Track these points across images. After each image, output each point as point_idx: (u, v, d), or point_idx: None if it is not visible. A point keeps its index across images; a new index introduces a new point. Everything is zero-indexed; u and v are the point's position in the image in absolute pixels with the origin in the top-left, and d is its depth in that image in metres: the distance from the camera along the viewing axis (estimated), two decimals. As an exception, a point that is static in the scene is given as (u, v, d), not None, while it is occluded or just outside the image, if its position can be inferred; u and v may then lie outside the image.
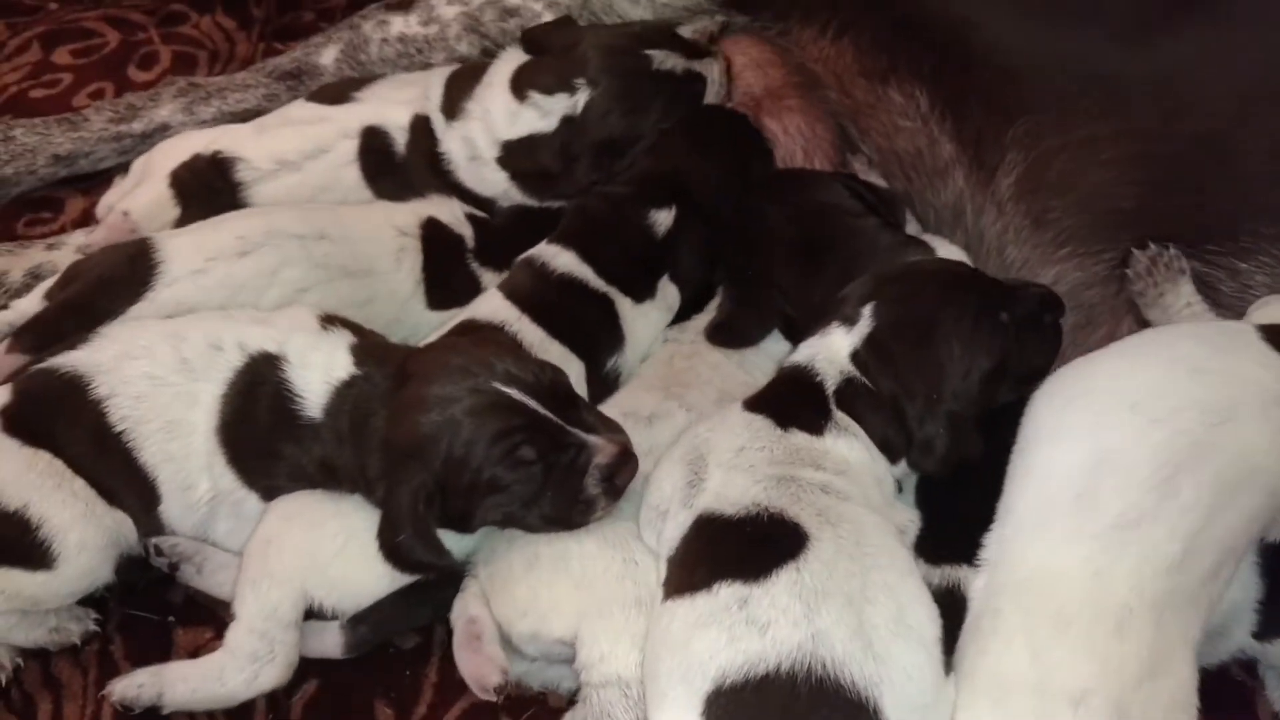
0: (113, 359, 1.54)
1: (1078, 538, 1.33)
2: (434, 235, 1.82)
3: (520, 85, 1.90)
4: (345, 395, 1.50)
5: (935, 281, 1.57)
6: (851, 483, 1.42)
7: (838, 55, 2.02)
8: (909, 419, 1.48)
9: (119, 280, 1.69)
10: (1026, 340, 1.54)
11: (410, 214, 1.84)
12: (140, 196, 1.92)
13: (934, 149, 1.93)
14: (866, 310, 1.52)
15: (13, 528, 1.45)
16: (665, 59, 1.91)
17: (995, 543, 1.42)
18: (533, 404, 1.44)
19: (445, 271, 1.82)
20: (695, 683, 1.27)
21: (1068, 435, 1.42)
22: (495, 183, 1.91)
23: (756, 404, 1.51)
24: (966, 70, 1.89)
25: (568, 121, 1.88)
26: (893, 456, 1.49)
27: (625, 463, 1.46)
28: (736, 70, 2.05)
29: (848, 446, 1.46)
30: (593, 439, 1.46)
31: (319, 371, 1.52)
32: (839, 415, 1.48)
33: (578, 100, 1.87)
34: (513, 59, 1.95)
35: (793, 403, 1.49)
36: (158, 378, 1.52)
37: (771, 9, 2.06)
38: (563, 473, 1.44)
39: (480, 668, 1.48)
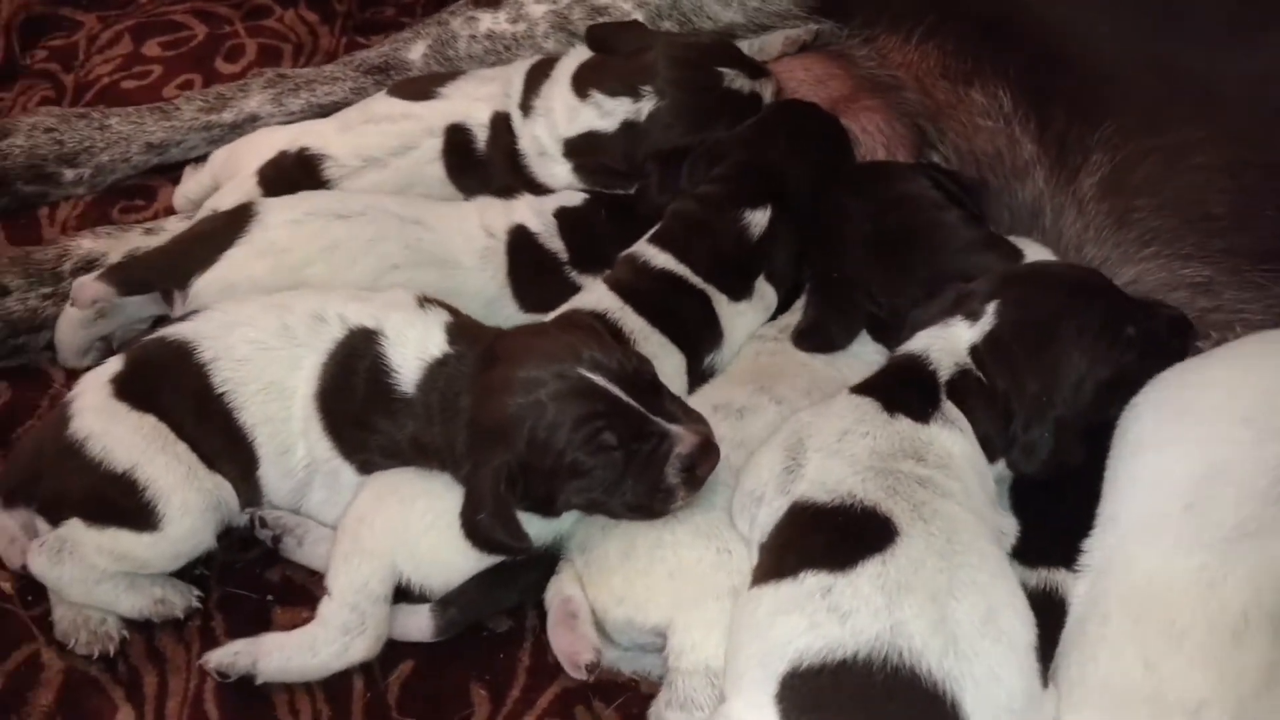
0: (219, 327, 1.59)
1: (1191, 548, 1.33)
2: (521, 243, 1.83)
3: (582, 83, 1.92)
4: (438, 373, 1.53)
5: (1062, 287, 1.57)
6: (952, 478, 1.42)
7: (921, 59, 2.02)
8: (1015, 420, 1.49)
9: (215, 231, 1.78)
10: (1150, 359, 1.53)
11: (501, 216, 1.86)
12: (229, 194, 1.96)
13: (1014, 149, 1.93)
14: (990, 308, 1.52)
15: (121, 489, 1.50)
16: (735, 78, 1.92)
17: (1099, 549, 1.42)
18: (616, 391, 1.46)
19: (538, 280, 1.83)
20: (772, 665, 1.29)
21: (1178, 445, 1.41)
22: (560, 175, 1.94)
23: (865, 388, 1.53)
24: (1053, 72, 1.89)
25: (629, 126, 1.89)
26: (991, 455, 1.49)
27: (706, 454, 1.48)
28: (792, 87, 2.07)
29: (951, 438, 1.46)
30: (674, 428, 1.47)
31: (414, 348, 1.55)
32: (947, 406, 1.48)
33: (642, 107, 1.89)
34: (578, 56, 1.97)
35: (902, 388, 1.50)
36: (260, 342, 1.57)
37: (860, 15, 2.07)
38: (644, 461, 1.46)
39: (574, 645, 1.50)
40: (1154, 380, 1.51)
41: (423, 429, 1.53)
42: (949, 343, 1.52)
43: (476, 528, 1.49)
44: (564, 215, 1.88)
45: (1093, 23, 1.88)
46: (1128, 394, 1.51)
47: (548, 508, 1.51)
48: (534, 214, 1.87)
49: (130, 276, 1.77)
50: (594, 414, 1.45)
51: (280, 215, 1.77)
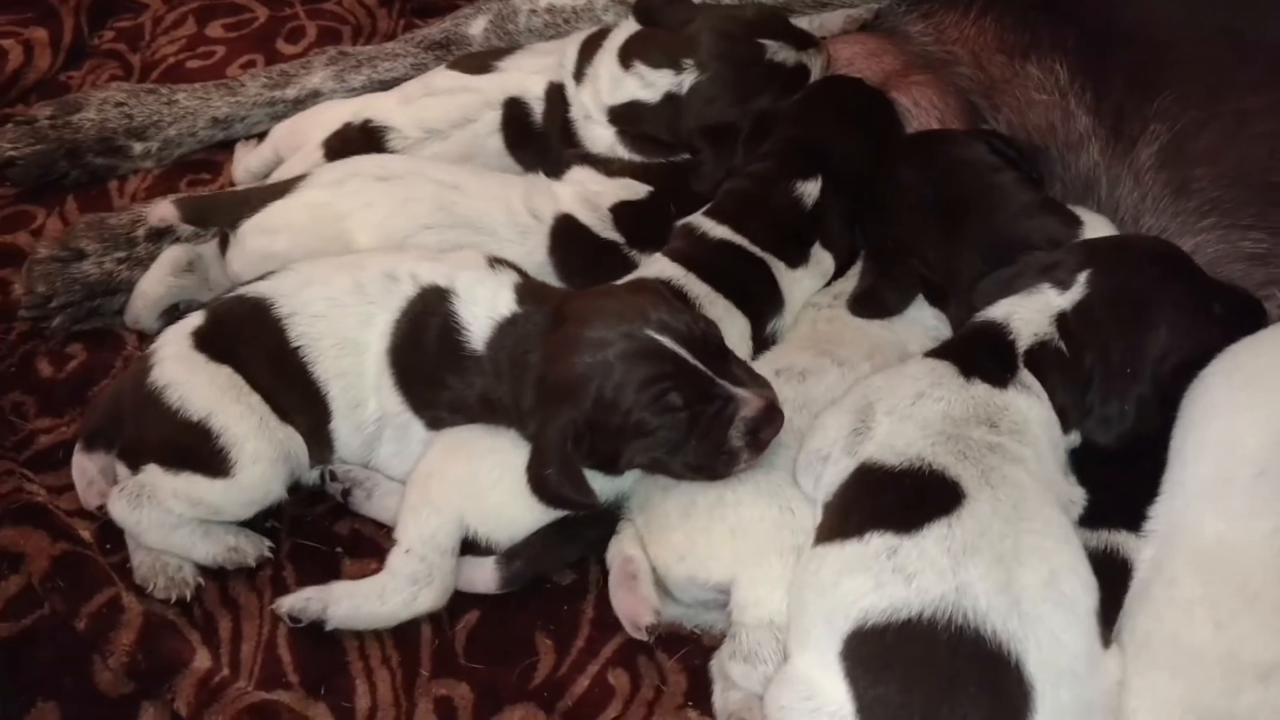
0: (295, 285, 1.64)
1: (1264, 513, 1.33)
2: (565, 231, 1.85)
3: (627, 54, 1.95)
4: (507, 331, 1.57)
5: (1154, 261, 1.58)
6: (1024, 444, 1.42)
7: (979, 34, 2.03)
8: (1093, 391, 1.49)
9: (271, 187, 1.87)
10: (1231, 337, 1.52)
11: (549, 201, 1.87)
12: (295, 166, 2.01)
13: (1069, 122, 1.93)
14: (1082, 277, 1.53)
15: (196, 436, 1.55)
16: (778, 50, 1.93)
17: (1164, 515, 1.42)
18: (683, 353, 1.48)
19: (594, 265, 1.84)
20: (836, 623, 1.30)
21: (1248, 412, 1.41)
22: (602, 139, 1.96)
23: (941, 351, 1.54)
24: (1112, 43, 1.89)
25: (671, 98, 1.91)
26: (1066, 426, 1.50)
27: (770, 418, 1.50)
28: (847, 59, 2.08)
29: (1028, 404, 1.46)
30: (740, 392, 1.49)
31: (484, 307, 1.58)
32: (1024, 374, 1.48)
33: (683, 80, 1.91)
34: (629, 27, 2.00)
35: (980, 354, 1.50)
36: (335, 299, 1.62)
37: None
38: (708, 423, 1.48)
39: (634, 607, 1.53)
40: (1227, 350, 1.50)
41: (491, 386, 1.56)
42: (1032, 311, 1.52)
43: (543, 483, 1.51)
44: (621, 209, 1.89)
45: (1153, -8, 1.89)
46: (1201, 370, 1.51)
47: (611, 466, 1.54)
48: (586, 206, 1.87)
49: (194, 207, 1.88)
50: (661, 375, 1.47)
51: (326, 176, 1.85)
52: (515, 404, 1.55)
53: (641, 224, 1.87)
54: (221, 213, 1.85)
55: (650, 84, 1.92)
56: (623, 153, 1.96)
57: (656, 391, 1.47)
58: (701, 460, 1.50)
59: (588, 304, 1.57)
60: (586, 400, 1.48)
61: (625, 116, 1.94)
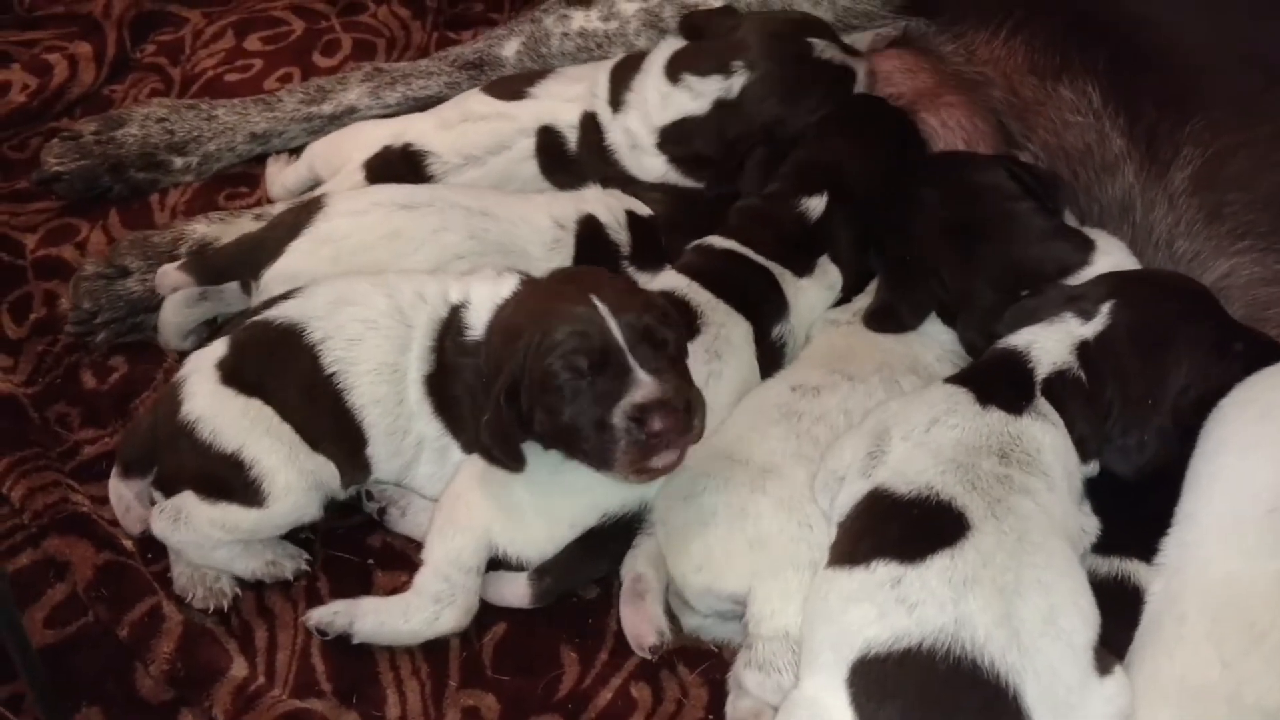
0: (326, 306, 1.65)
1: (1274, 552, 1.34)
2: (588, 234, 1.88)
3: (675, 68, 1.97)
4: (502, 309, 1.62)
5: (1177, 295, 1.60)
6: (1035, 474, 1.44)
7: (1009, 55, 2.04)
8: (1112, 421, 1.50)
9: (284, 225, 1.85)
10: (1248, 374, 1.53)
11: (571, 206, 1.91)
12: (337, 185, 2.04)
13: (1104, 144, 1.94)
14: (1105, 308, 1.55)
15: (230, 468, 1.58)
16: (825, 48, 1.96)
17: (1175, 548, 1.43)
18: (612, 325, 1.49)
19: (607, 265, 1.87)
20: (843, 651, 1.33)
21: (1262, 448, 1.42)
22: (655, 168, 1.99)
23: (960, 378, 1.56)
24: (1143, 66, 1.90)
25: (721, 105, 1.93)
26: (1084, 456, 1.51)
27: (660, 411, 1.45)
28: (885, 72, 2.10)
29: (1043, 431, 1.47)
30: (644, 377, 1.47)
31: (488, 298, 1.63)
32: (1040, 402, 1.50)
33: (732, 83, 1.93)
34: (670, 46, 2.02)
35: (997, 381, 1.53)
36: (372, 321, 1.64)
37: (948, 12, 2.09)
38: (600, 394, 1.48)
39: (639, 626, 1.57)
40: (1243, 384, 1.51)
41: (478, 372, 1.59)
42: (1053, 340, 1.54)
43: (477, 435, 1.54)
44: (631, 214, 1.92)
45: (1182, 16, 1.88)
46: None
47: (528, 428, 1.53)
48: (605, 208, 1.91)
49: (208, 266, 1.86)
50: (580, 334, 1.49)
51: (344, 206, 1.84)
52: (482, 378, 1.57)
53: (644, 235, 1.91)
54: (238, 265, 1.83)
55: (700, 94, 1.94)
56: (676, 179, 1.98)
57: (570, 348, 1.48)
58: (587, 432, 1.48)
59: (556, 274, 1.64)
60: (519, 353, 1.51)
61: (675, 136, 1.96)
